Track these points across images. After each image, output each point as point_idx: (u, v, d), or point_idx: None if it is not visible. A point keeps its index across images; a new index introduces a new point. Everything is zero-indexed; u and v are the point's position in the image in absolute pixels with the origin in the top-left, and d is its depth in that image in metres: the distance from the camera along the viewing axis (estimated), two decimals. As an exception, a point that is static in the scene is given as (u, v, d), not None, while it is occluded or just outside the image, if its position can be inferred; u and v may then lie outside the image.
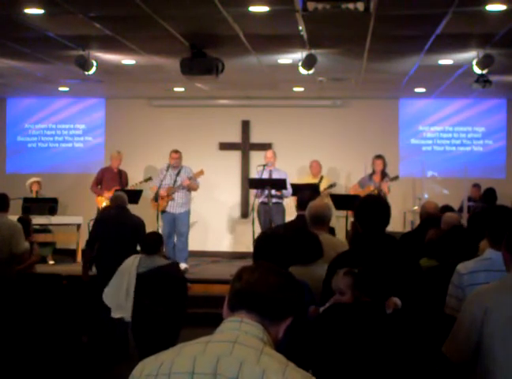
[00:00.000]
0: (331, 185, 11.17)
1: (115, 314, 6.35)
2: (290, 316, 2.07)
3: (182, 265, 10.69)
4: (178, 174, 10.82)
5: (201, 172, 10.89)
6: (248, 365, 1.88)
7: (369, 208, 3.93)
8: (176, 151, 10.86)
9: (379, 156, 11.18)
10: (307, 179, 11.55)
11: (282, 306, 2.05)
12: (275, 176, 10.80)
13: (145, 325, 6.03)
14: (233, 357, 1.90)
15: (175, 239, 10.91)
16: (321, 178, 11.49)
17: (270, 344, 2.00)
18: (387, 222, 3.94)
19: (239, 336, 1.97)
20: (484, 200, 10.31)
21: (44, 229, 11.12)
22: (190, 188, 10.85)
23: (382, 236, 3.90)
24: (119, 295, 6.23)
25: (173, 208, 10.75)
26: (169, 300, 5.98)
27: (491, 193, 10.14)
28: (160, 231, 10.86)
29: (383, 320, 3.34)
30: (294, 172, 11.64)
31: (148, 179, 11.54)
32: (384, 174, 11.06)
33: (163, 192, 10.68)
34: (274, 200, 10.58)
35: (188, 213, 10.94)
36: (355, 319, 3.34)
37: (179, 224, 10.85)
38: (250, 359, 1.90)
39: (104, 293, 6.44)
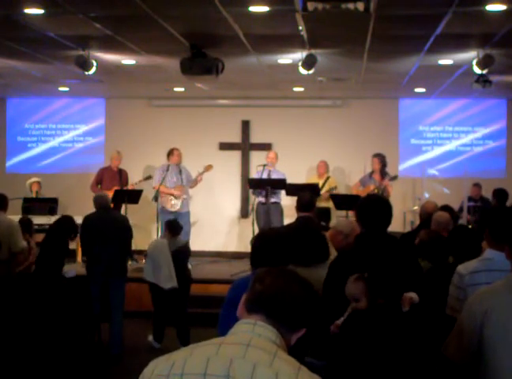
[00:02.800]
0: (331, 189, 11.17)
1: (166, 285, 7.65)
2: (305, 327, 2.07)
3: (185, 265, 10.70)
4: (180, 172, 10.83)
5: (210, 166, 10.90)
6: (261, 369, 1.88)
7: (371, 208, 3.91)
8: (178, 149, 10.90)
9: (376, 155, 11.19)
10: (313, 179, 11.53)
11: (300, 317, 2.05)
12: (274, 177, 10.82)
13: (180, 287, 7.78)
14: (246, 359, 1.90)
15: None
16: (327, 178, 11.46)
17: (284, 348, 1.99)
18: (389, 221, 3.92)
19: (253, 339, 1.96)
20: (496, 197, 10.22)
21: (44, 229, 11.09)
22: (195, 184, 10.91)
23: (384, 236, 3.88)
24: (163, 271, 7.65)
25: (179, 207, 10.74)
26: (186, 268, 8.34)
27: (501, 192, 10.06)
28: (159, 232, 10.86)
29: (401, 320, 3.32)
30: (295, 172, 11.63)
31: (148, 178, 11.54)
32: (384, 173, 11.06)
33: (176, 191, 10.68)
34: (272, 199, 10.59)
35: (189, 212, 10.95)
36: (374, 324, 3.30)
37: (183, 224, 10.81)
38: (263, 362, 1.89)
39: (144, 272, 7.89)
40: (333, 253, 4.73)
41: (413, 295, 3.45)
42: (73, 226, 7.53)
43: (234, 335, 2.00)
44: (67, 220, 7.57)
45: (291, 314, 2.02)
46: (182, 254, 8.01)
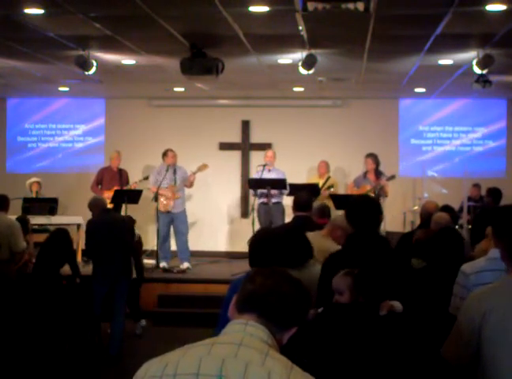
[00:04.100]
0: (329, 187, 11.16)
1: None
2: (296, 325, 2.08)
3: (185, 265, 10.66)
4: (174, 172, 10.82)
5: (205, 166, 10.87)
6: (253, 368, 1.88)
7: (359, 209, 3.96)
8: (172, 150, 10.90)
9: (369, 155, 11.17)
10: (314, 179, 11.52)
11: (291, 316, 2.06)
12: (274, 176, 10.81)
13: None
14: (238, 359, 1.90)
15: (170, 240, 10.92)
16: (328, 178, 11.45)
17: (275, 348, 2.00)
18: (377, 222, 3.96)
19: (244, 338, 1.97)
20: (491, 196, 10.20)
21: (44, 229, 11.10)
22: (191, 184, 10.87)
23: (374, 236, 3.91)
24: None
25: (172, 207, 10.71)
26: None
27: (496, 191, 10.06)
28: (159, 232, 10.83)
29: (376, 322, 3.34)
30: (295, 172, 11.63)
31: (147, 178, 11.53)
32: (378, 173, 11.05)
33: (167, 192, 10.65)
34: (274, 200, 10.58)
35: (185, 212, 10.93)
36: (350, 319, 3.34)
37: (180, 223, 10.80)
38: (256, 361, 1.90)
39: None
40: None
41: (396, 304, 3.46)
42: (68, 241, 7.42)
43: (226, 335, 2.01)
44: (62, 235, 7.41)
45: (283, 313, 2.03)
46: (139, 246, 8.96)
